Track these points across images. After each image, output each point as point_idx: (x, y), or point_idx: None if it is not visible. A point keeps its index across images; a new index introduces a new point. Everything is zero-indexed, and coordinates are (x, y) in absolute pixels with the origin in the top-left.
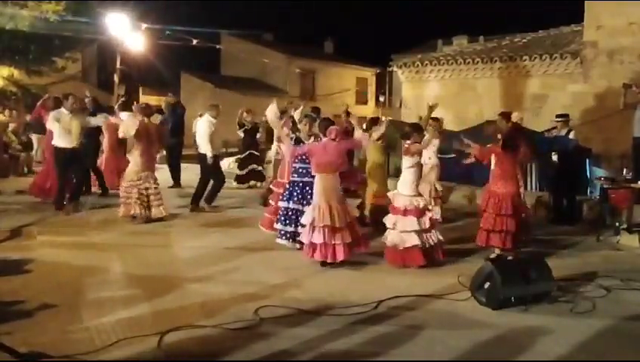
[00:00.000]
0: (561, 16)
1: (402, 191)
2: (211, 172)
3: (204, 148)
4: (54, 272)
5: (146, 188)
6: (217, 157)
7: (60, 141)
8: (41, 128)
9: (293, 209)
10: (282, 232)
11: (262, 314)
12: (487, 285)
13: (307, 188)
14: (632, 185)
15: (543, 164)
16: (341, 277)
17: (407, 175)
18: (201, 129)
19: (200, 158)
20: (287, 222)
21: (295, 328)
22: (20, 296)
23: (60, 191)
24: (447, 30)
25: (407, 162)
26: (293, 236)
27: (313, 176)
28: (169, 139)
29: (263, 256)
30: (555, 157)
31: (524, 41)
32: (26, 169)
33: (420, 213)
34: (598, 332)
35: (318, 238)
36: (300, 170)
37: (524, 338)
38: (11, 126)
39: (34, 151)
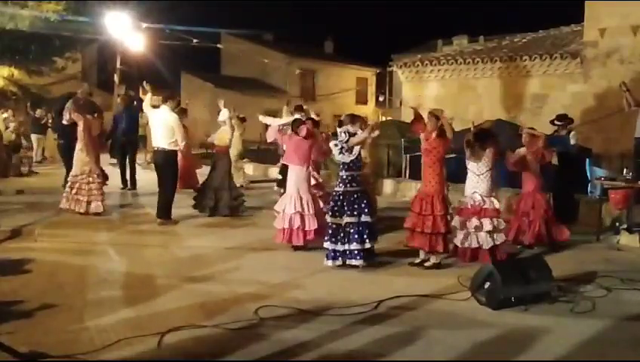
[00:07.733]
0: (561, 16)
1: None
2: None
3: None
4: (54, 272)
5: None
6: None
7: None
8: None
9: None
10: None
11: (262, 314)
12: (487, 285)
13: (352, 197)
14: (632, 185)
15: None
16: (341, 277)
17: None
18: None
19: None
20: (333, 239)
21: (295, 328)
22: (19, 296)
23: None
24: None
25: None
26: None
27: (359, 184)
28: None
29: (263, 256)
30: (554, 159)
31: (524, 41)
32: (25, 169)
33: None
34: (598, 332)
35: (288, 224)
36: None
37: (524, 338)
38: (11, 125)
39: (34, 152)
